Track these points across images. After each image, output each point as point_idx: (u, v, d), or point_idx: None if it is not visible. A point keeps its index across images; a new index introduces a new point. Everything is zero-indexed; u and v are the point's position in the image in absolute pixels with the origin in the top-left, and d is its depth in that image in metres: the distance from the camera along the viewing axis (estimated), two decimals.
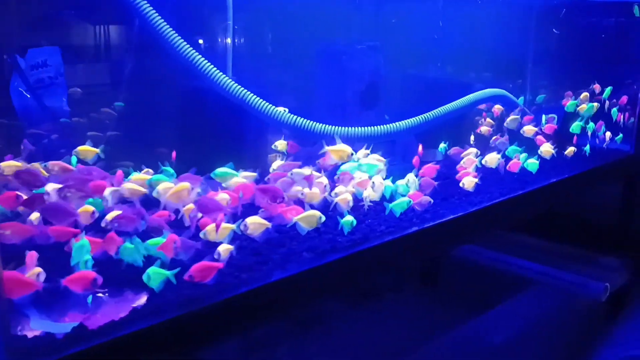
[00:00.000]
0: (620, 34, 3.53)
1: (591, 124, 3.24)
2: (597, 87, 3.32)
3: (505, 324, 3.48)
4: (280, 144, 2.28)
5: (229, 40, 2.28)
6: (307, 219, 1.82)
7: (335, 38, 2.58)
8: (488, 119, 2.90)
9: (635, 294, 3.46)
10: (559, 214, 3.50)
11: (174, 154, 2.05)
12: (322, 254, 1.80)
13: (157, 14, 1.99)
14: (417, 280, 3.83)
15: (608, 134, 3.32)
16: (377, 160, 2.19)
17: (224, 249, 1.61)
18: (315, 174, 2.03)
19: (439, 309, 3.71)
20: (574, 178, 3.05)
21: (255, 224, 1.71)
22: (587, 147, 3.14)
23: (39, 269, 1.42)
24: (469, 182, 2.39)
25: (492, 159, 2.57)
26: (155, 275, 1.48)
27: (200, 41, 2.27)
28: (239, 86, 2.12)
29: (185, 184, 1.79)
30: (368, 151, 2.22)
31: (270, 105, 2.17)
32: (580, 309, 3.36)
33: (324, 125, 2.20)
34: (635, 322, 3.23)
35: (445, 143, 2.56)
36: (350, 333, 3.12)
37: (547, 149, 2.86)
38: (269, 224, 1.74)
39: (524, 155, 2.74)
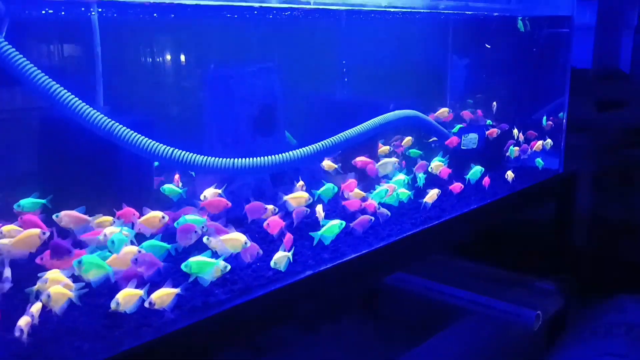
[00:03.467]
0: (544, 48, 3.44)
1: (511, 148, 3.12)
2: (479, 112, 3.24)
3: (440, 356, 3.30)
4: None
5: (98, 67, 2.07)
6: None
7: (226, 61, 2.39)
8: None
9: (571, 317, 3.30)
10: (492, 236, 3.35)
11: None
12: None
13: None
14: (355, 310, 3.65)
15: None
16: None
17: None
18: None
19: (377, 339, 3.55)
20: (507, 198, 2.91)
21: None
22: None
23: None
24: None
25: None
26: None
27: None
28: (105, 117, 1.90)
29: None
30: None
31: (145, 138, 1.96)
32: (513, 338, 3.18)
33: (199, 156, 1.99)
34: (572, 349, 3.06)
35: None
36: None
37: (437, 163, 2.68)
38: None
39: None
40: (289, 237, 1.93)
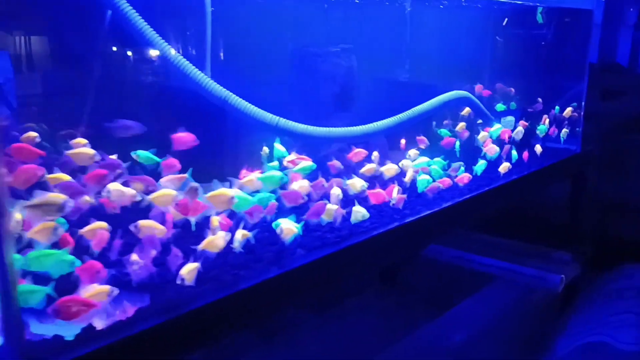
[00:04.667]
0: (565, 40, 3.78)
1: (542, 127, 3.44)
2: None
3: (467, 321, 3.60)
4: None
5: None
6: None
7: (310, 41, 2.61)
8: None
9: (586, 285, 3.67)
10: (513, 212, 3.67)
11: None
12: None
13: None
14: (377, 282, 3.90)
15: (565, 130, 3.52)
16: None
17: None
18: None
19: (402, 310, 3.79)
20: (528, 177, 3.22)
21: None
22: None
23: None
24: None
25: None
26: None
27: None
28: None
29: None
30: None
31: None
32: (540, 301, 3.53)
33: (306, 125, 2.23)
34: (587, 311, 3.42)
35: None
36: (313, 340, 3.13)
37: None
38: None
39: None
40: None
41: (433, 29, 3.08)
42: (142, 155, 1.84)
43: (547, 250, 3.78)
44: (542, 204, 3.91)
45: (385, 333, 3.39)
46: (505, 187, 2.97)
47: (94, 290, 1.37)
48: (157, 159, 1.84)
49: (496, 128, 2.98)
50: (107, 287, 1.39)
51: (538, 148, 3.25)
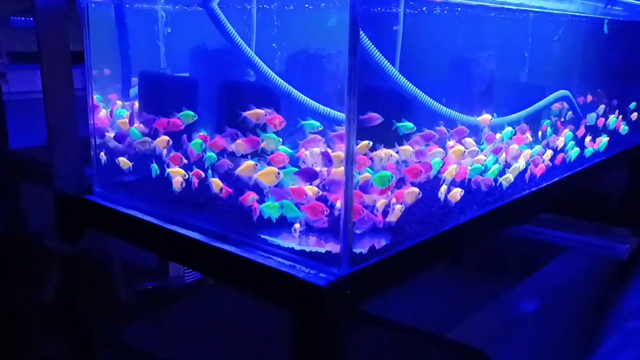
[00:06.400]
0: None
1: (613, 119, 4.09)
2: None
3: (542, 289, 4.23)
4: None
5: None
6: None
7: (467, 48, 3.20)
8: None
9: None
10: (578, 197, 4.32)
11: None
12: None
13: None
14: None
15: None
16: None
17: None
18: None
19: (477, 284, 4.35)
20: (599, 164, 3.86)
21: None
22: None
23: None
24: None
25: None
26: None
27: None
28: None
29: None
30: None
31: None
32: (606, 268, 4.21)
33: None
34: None
35: None
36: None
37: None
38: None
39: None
40: None
41: (547, 39, 3.68)
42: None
43: (609, 227, 4.45)
44: (602, 188, 4.58)
45: (462, 306, 3.87)
46: (586, 171, 3.60)
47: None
48: None
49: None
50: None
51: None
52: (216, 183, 2.19)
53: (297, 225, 1.99)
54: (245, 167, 2.11)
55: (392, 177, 2.09)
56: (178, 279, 3.63)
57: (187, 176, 2.29)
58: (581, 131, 3.62)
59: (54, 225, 2.65)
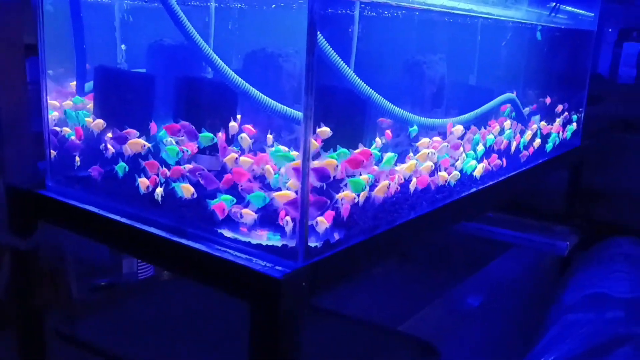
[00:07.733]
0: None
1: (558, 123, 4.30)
2: (547, 100, 4.39)
3: (486, 285, 4.41)
4: None
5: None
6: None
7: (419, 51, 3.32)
8: None
9: (584, 252, 4.60)
10: (522, 196, 4.53)
11: None
12: None
13: None
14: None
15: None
16: None
17: None
18: None
19: (425, 280, 4.49)
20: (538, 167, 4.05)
21: None
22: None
23: None
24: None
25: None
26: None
27: None
28: None
29: None
30: None
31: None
32: (548, 264, 4.43)
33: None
34: (587, 271, 4.35)
35: None
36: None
37: None
38: None
39: None
40: None
41: (495, 44, 3.84)
42: None
43: (550, 225, 4.67)
44: (544, 188, 4.80)
45: (412, 300, 3.92)
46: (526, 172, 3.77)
47: None
48: None
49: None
50: None
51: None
52: (187, 189, 2.21)
53: (246, 211, 2.05)
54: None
55: (365, 186, 2.20)
56: (131, 275, 3.61)
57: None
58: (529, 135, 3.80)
59: (4, 219, 2.60)
